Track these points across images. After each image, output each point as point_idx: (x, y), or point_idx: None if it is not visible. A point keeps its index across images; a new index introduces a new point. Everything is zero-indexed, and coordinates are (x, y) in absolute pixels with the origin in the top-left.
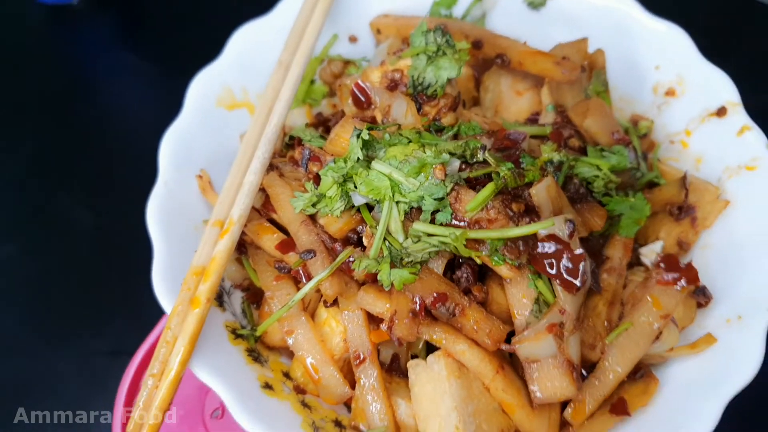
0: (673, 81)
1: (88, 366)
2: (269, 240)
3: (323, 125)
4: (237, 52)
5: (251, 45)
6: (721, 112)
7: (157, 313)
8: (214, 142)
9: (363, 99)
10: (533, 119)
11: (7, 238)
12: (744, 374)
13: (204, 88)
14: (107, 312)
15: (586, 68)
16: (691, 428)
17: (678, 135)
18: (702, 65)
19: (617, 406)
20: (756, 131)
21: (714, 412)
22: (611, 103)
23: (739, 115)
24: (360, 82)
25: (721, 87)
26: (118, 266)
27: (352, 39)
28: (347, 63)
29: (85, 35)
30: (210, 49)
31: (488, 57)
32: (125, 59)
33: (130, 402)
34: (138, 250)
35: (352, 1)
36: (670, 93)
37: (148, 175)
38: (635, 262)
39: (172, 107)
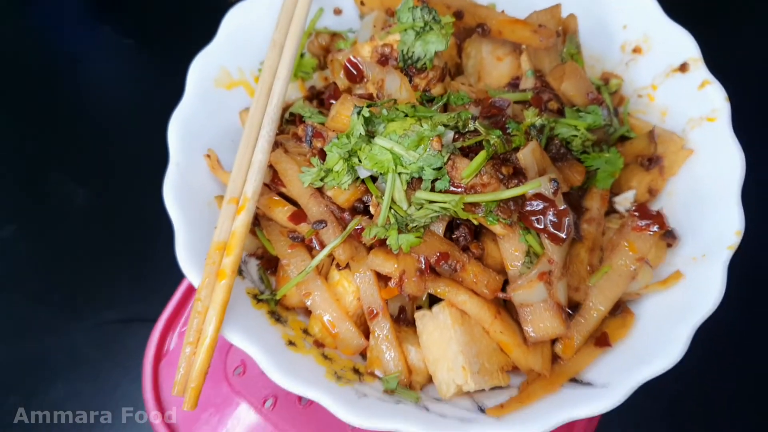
0: (640, 39)
1: (104, 335)
2: (281, 212)
3: (317, 98)
4: (229, 33)
5: (243, 25)
6: (683, 67)
7: (161, 282)
8: (217, 122)
9: (355, 73)
10: (514, 83)
11: (7, 220)
12: (708, 304)
13: (202, 70)
14: (115, 284)
15: (560, 33)
16: (665, 352)
17: (645, 89)
18: (666, 24)
19: (600, 339)
20: (715, 85)
21: (684, 337)
22: (584, 63)
23: (700, 71)
24: (352, 57)
25: (684, 44)
26: (122, 241)
27: (337, 11)
28: (334, 35)
29: (60, 10)
30: (185, 22)
31: (469, 26)
32: (103, 35)
33: (156, 367)
34: (138, 225)
35: None
36: (636, 50)
37: (142, 151)
38: (611, 210)
39: (153, 82)
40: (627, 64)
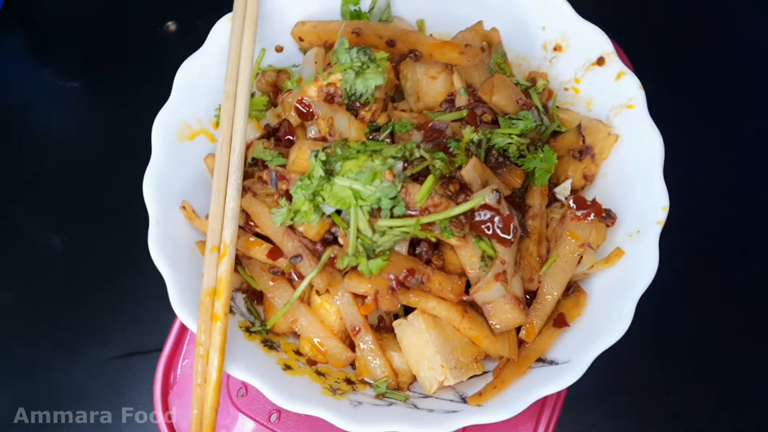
0: (559, 38)
1: (106, 371)
2: (259, 251)
3: (273, 135)
4: (184, 89)
5: (195, 78)
6: (600, 61)
7: (153, 314)
8: (185, 172)
9: (305, 112)
10: (450, 99)
11: None
12: (647, 276)
13: (164, 129)
14: (109, 323)
15: (485, 48)
16: (615, 326)
17: (570, 83)
18: (580, 23)
19: (558, 320)
20: (629, 75)
21: (629, 310)
22: (510, 69)
23: (615, 63)
24: (302, 98)
25: (598, 40)
26: (107, 281)
27: (278, 49)
28: (280, 72)
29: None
30: (127, 58)
31: (402, 52)
32: (45, 80)
33: (165, 402)
34: (119, 264)
35: (271, 14)
36: (557, 48)
37: (108, 194)
38: (552, 199)
39: (106, 125)
40: (550, 61)
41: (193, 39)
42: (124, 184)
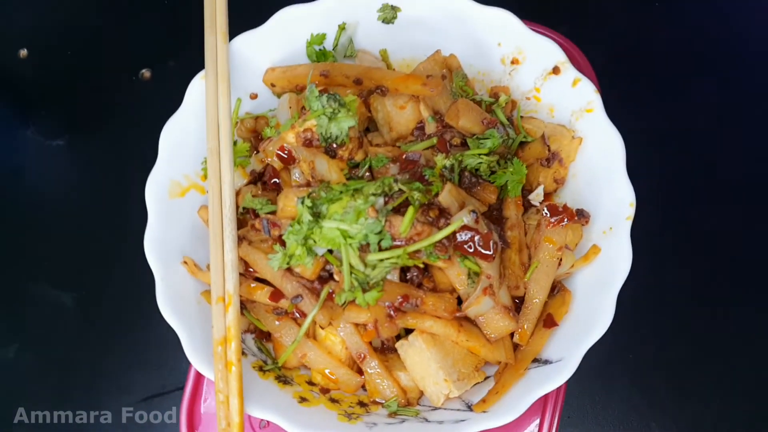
0: (515, 52)
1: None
2: (261, 295)
3: (260, 179)
4: (170, 150)
5: (179, 138)
6: (556, 70)
7: (167, 357)
8: (181, 227)
9: (287, 157)
10: (420, 127)
11: (7, 341)
12: (623, 270)
13: (156, 190)
14: (127, 371)
15: (446, 74)
16: (600, 319)
17: (531, 92)
18: (532, 36)
19: (547, 320)
20: (585, 81)
21: (610, 304)
22: (473, 89)
23: (570, 71)
24: (283, 146)
25: (551, 51)
26: (121, 331)
27: (253, 96)
28: (257, 118)
29: None
30: (108, 111)
31: (369, 88)
32: (29, 140)
33: None
34: (129, 313)
35: (241, 64)
36: (515, 62)
37: (106, 247)
38: (528, 205)
39: (94, 181)
40: (510, 74)
41: (168, 83)
42: (122, 235)
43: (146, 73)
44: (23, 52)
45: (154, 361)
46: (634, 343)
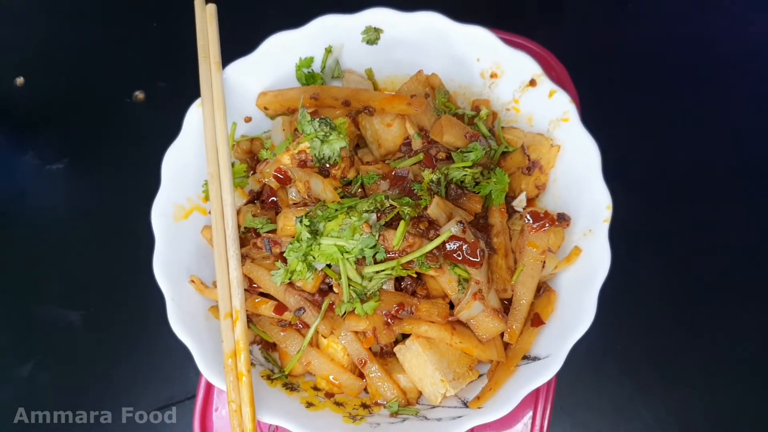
0: (493, 66)
1: (145, 425)
2: (266, 308)
3: (258, 199)
4: (172, 176)
5: (180, 164)
6: (532, 83)
7: (176, 368)
8: (186, 248)
9: (283, 178)
10: (407, 142)
11: (23, 360)
12: (603, 270)
13: (161, 214)
14: (135, 383)
15: (429, 93)
16: (583, 316)
17: (510, 104)
18: (508, 51)
19: (534, 320)
20: (560, 92)
21: (592, 302)
22: (456, 104)
23: (546, 83)
24: (279, 167)
25: (526, 64)
26: (132, 344)
27: (247, 119)
28: (252, 140)
29: None
30: (102, 132)
31: (357, 109)
32: (28, 165)
33: None
34: (140, 328)
35: (235, 90)
36: (494, 75)
37: (112, 266)
38: (512, 212)
39: (96, 202)
40: (490, 87)
41: (161, 104)
42: (124, 253)
43: (140, 94)
44: (20, 80)
45: (161, 373)
46: (621, 335)
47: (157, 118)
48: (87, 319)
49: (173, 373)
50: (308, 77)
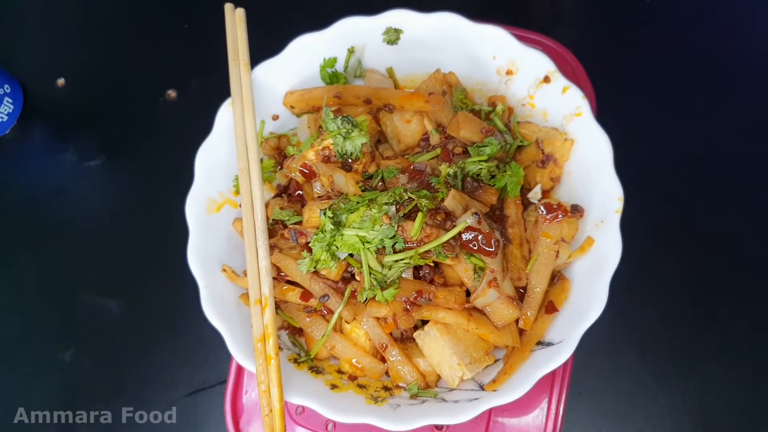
0: (508, 64)
1: (179, 410)
2: (293, 296)
3: (285, 192)
4: (205, 171)
5: (212, 160)
6: (546, 79)
7: (210, 353)
8: (219, 239)
9: (308, 173)
10: (426, 138)
11: (65, 345)
12: (614, 259)
13: (195, 208)
14: (171, 367)
15: (446, 90)
16: (595, 305)
17: (525, 99)
18: (523, 49)
19: (548, 307)
20: (573, 88)
21: (604, 289)
22: (473, 101)
23: (560, 79)
24: (305, 163)
25: (541, 62)
26: (166, 331)
27: (275, 117)
28: (280, 137)
29: (27, 159)
30: (137, 130)
31: (378, 107)
32: (68, 161)
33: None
34: (172, 314)
35: (263, 90)
36: (509, 72)
37: (147, 257)
38: (527, 203)
39: (132, 197)
40: (505, 83)
41: (192, 101)
42: (159, 245)
43: (172, 93)
44: (60, 81)
45: (196, 359)
46: (638, 323)
47: (189, 116)
48: (123, 306)
49: (207, 360)
50: (332, 77)
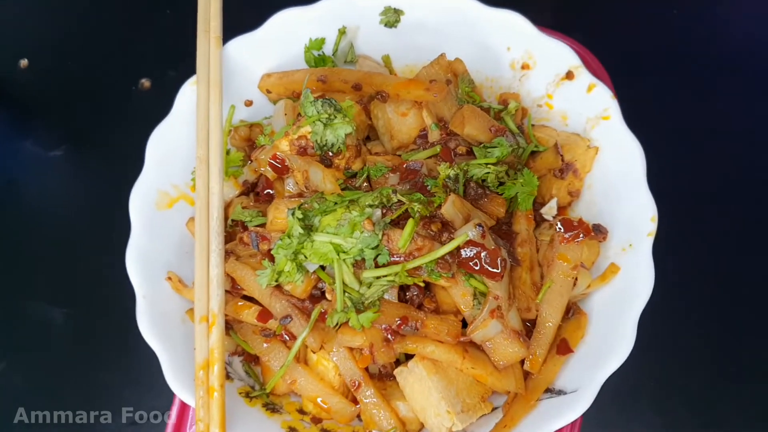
0: (525, 56)
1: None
2: (248, 314)
3: (252, 191)
4: (157, 158)
5: (167, 146)
6: (569, 75)
7: (160, 379)
8: (168, 241)
9: (280, 167)
10: (423, 134)
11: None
12: (645, 291)
13: (142, 201)
14: (116, 388)
15: (451, 79)
16: (620, 346)
17: (542, 99)
18: (543, 40)
19: (561, 346)
20: (601, 86)
21: (630, 329)
22: (481, 96)
23: (585, 76)
24: (276, 155)
25: (563, 55)
26: (112, 348)
27: (248, 103)
28: (252, 126)
29: None
30: (105, 121)
31: (369, 94)
32: (27, 152)
33: None
34: (123, 330)
35: (236, 70)
36: (525, 67)
37: (101, 261)
38: (540, 220)
39: (94, 192)
40: (520, 80)
41: (169, 93)
42: (118, 249)
43: (146, 82)
44: (24, 62)
45: (144, 381)
46: (657, 369)
47: (162, 108)
48: (69, 317)
49: (157, 382)
50: (318, 60)
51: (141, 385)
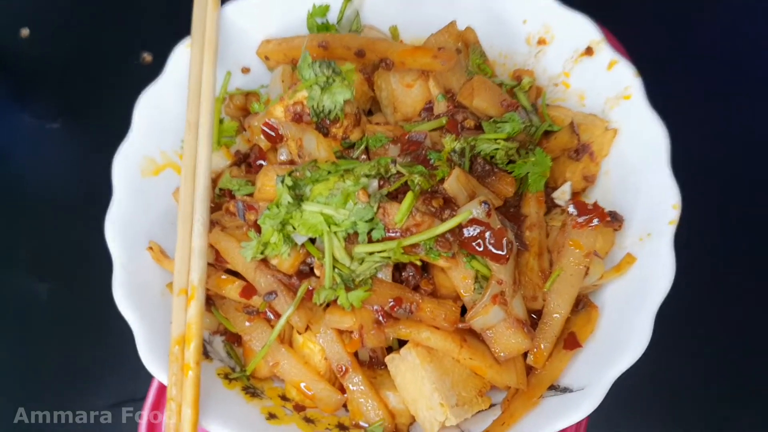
0: (541, 30)
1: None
2: (231, 290)
3: (245, 161)
4: (145, 122)
5: (156, 110)
6: (589, 51)
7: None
8: (153, 210)
9: (273, 134)
10: (429, 107)
11: None
12: (664, 284)
13: (126, 165)
14: (99, 368)
15: (461, 49)
16: (632, 342)
17: (559, 77)
18: (562, 11)
19: (569, 340)
20: (623, 63)
21: (647, 325)
22: (493, 69)
23: (606, 51)
24: (268, 120)
25: (583, 29)
26: (95, 328)
27: (245, 70)
28: (248, 94)
29: None
30: (106, 96)
31: (374, 62)
32: (25, 123)
33: None
34: (107, 309)
35: (234, 36)
36: (541, 42)
37: (93, 236)
38: (551, 205)
39: (89, 165)
40: (536, 56)
41: None
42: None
43: (147, 56)
44: (25, 32)
45: (129, 362)
46: (670, 371)
47: None
48: (53, 292)
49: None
50: (321, 28)
51: (124, 370)
